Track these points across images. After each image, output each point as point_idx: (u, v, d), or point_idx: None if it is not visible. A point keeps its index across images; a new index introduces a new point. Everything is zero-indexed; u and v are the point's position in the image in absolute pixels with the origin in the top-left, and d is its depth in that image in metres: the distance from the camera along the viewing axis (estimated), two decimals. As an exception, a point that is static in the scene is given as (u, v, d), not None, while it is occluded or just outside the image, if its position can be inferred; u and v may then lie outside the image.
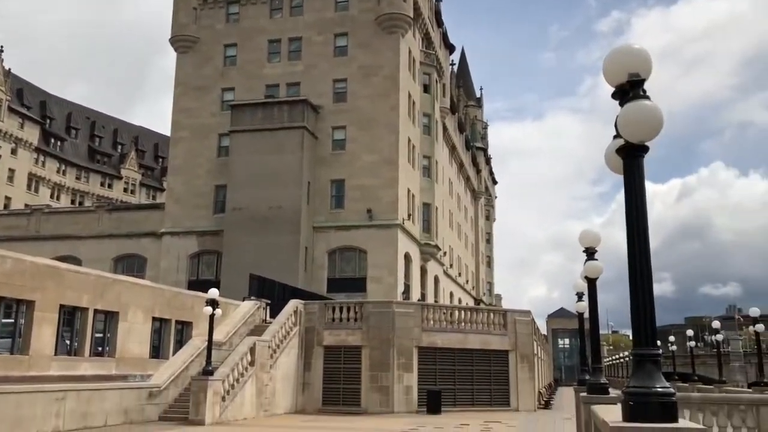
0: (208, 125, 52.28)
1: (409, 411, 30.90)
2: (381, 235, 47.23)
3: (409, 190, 51.24)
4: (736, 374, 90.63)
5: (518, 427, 24.84)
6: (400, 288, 47.44)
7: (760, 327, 29.55)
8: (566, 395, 50.69)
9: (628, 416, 5.48)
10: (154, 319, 27.43)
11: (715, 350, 47.51)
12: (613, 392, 12.88)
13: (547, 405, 40.21)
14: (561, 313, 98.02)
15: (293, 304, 32.51)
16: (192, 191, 51.46)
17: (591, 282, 14.11)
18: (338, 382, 31.87)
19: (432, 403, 30.75)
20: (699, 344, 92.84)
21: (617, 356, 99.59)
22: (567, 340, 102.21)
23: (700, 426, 5.38)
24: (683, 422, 5.55)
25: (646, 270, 5.77)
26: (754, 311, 29.74)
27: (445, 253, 63.73)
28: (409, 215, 50.43)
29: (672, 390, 5.54)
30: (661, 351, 5.72)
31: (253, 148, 48.82)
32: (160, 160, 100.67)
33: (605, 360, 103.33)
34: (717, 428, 20.40)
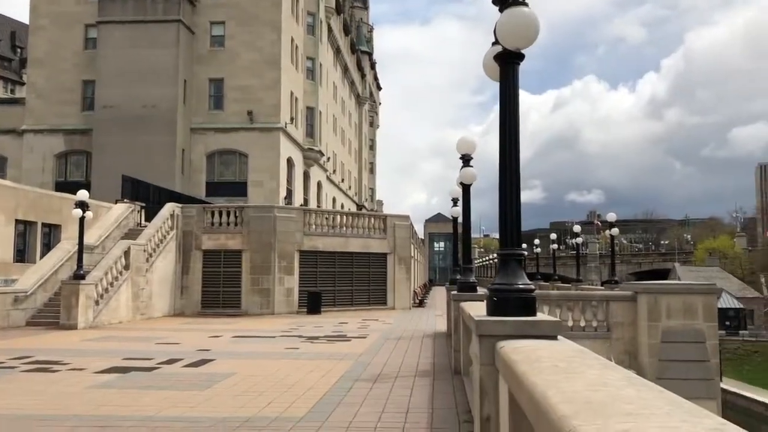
0: (72, 14, 47.90)
1: (289, 312, 31.53)
2: (263, 138, 46.25)
3: (292, 93, 50.09)
4: (591, 274, 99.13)
5: (393, 323, 26.08)
6: (283, 193, 47.19)
7: (614, 231, 32.20)
8: (440, 295, 53.50)
9: (491, 310, 5.89)
10: (17, 221, 25.79)
11: (574, 252, 51.41)
12: (481, 290, 13.73)
13: (421, 303, 42.35)
14: (438, 218, 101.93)
15: (170, 207, 31.58)
16: (57, 86, 47.61)
17: (465, 188, 14.67)
18: (218, 286, 31.79)
19: (312, 304, 31.49)
20: (561, 247, 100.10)
21: (487, 258, 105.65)
22: (443, 244, 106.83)
23: (555, 318, 5.88)
24: (541, 316, 6.04)
25: (514, 176, 6.06)
26: (611, 216, 32.27)
27: (328, 159, 63.62)
28: (292, 119, 49.54)
29: (532, 287, 5.97)
30: (525, 252, 6.13)
31: (124, 42, 45.51)
32: (19, 50, 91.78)
33: (476, 261, 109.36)
34: (572, 321, 22.44)
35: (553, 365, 4.00)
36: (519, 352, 4.71)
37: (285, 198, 47.21)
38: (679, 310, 21.27)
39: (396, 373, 13.21)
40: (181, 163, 45.47)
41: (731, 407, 58.13)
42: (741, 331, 73.07)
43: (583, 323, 22.19)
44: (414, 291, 44.06)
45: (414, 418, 8.98)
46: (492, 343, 5.34)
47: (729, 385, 61.69)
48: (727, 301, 73.99)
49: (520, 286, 5.85)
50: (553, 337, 5.40)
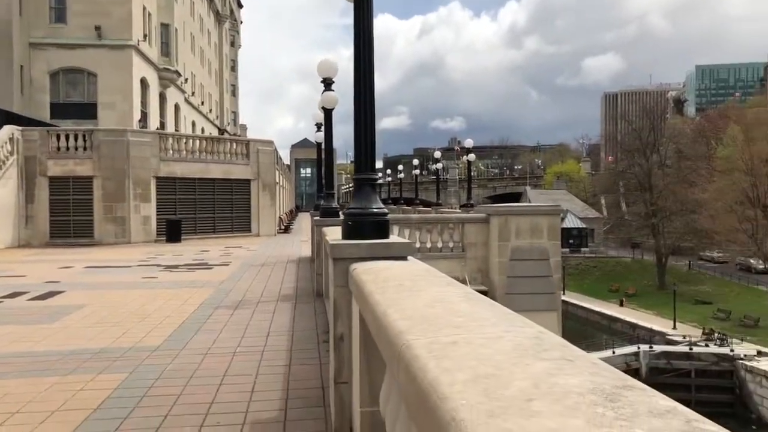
0: None
1: (147, 241, 30.40)
2: (113, 56, 42.97)
3: (144, 8, 46.61)
4: (452, 198, 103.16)
5: (257, 250, 25.93)
6: (137, 116, 44.52)
7: (471, 157, 33.54)
8: (306, 221, 53.63)
9: (347, 234, 5.98)
10: None
11: (436, 177, 53.16)
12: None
13: (287, 230, 42.33)
14: (305, 144, 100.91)
15: (8, 130, 28.91)
16: None
17: (327, 112, 14.56)
18: (68, 215, 29.91)
19: (171, 232, 30.52)
20: (424, 173, 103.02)
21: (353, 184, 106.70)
22: (309, 170, 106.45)
23: (407, 240, 6.07)
24: (394, 238, 6.23)
25: (369, 101, 6.07)
26: (468, 142, 33.52)
27: (186, 80, 60.50)
28: (145, 36, 46.29)
29: (385, 211, 6.12)
30: (379, 177, 6.23)
31: (-59, -60, 39.88)
32: None
33: (343, 188, 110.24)
34: (430, 243, 23.38)
35: (398, 284, 4.13)
36: (369, 272, 4.83)
37: (139, 121, 44.61)
38: (526, 230, 22.80)
39: (258, 299, 13.24)
40: (20, 82, 41.41)
41: (572, 317, 63.98)
42: (583, 249, 79.78)
43: (440, 244, 23.24)
44: (279, 217, 43.85)
45: (274, 341, 9.10)
46: (346, 266, 5.45)
47: (571, 297, 67.67)
48: (571, 222, 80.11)
49: (374, 210, 5.97)
50: (404, 258, 5.59)
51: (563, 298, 66.58)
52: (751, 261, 65.84)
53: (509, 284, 22.52)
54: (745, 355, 40.41)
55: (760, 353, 41.06)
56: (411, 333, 2.66)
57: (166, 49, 50.94)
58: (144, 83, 46.77)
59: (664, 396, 2.01)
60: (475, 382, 1.95)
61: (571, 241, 79.88)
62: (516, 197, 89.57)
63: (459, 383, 1.97)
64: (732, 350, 41.32)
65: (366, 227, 5.88)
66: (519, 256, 22.44)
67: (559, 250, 23.51)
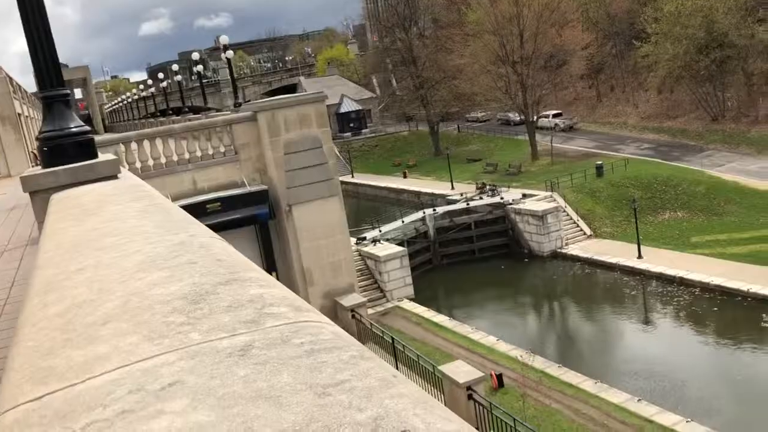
0: None
1: None
2: None
3: None
4: (227, 100, 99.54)
5: (7, 192, 23.23)
6: None
7: (230, 54, 32.13)
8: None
9: (47, 162, 5.34)
10: None
11: (206, 81, 50.69)
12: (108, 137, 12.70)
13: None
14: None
15: None
16: None
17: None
18: None
19: None
20: (193, 78, 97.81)
21: (118, 100, 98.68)
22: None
23: (113, 157, 5.56)
24: (104, 156, 5.69)
25: (38, 3, 5.27)
26: (224, 39, 31.89)
27: None
28: None
29: (87, 128, 5.52)
30: (69, 91, 5.55)
31: None
32: None
33: (106, 106, 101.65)
34: (200, 151, 22.48)
35: (83, 210, 3.77)
36: (62, 201, 4.37)
37: None
38: (295, 122, 22.71)
39: (5, 247, 11.87)
40: None
41: (363, 197, 66.72)
42: (363, 130, 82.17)
43: (211, 151, 22.45)
44: (32, 152, 39.40)
45: (19, 291, 8.23)
46: (46, 199, 4.88)
47: (360, 178, 70.22)
48: (348, 106, 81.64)
49: (73, 129, 5.36)
50: (114, 177, 5.13)
51: (353, 180, 69.04)
52: (510, 115, 72.41)
53: (288, 178, 22.57)
54: (513, 200, 45.15)
55: (524, 196, 46.12)
56: (44, 267, 2.42)
57: None
58: None
59: (268, 281, 1.94)
60: (64, 314, 1.76)
61: (351, 125, 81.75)
62: (292, 89, 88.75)
63: (47, 319, 1.79)
64: (502, 198, 45.92)
65: (67, 150, 5.27)
66: (292, 149, 22.41)
67: (330, 136, 23.86)
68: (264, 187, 22.63)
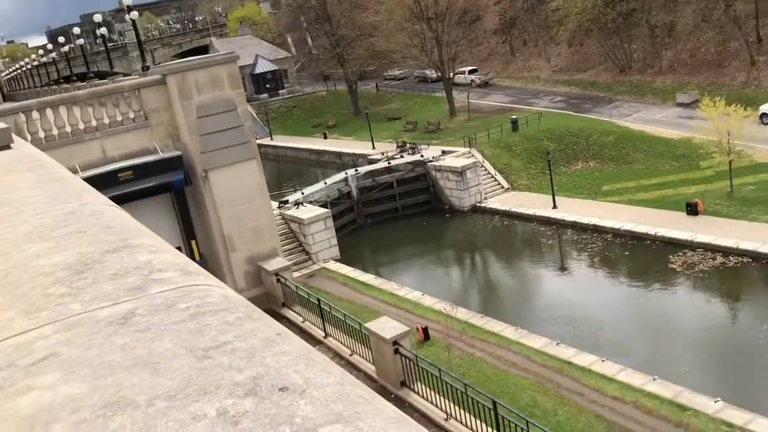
0: None
1: None
2: None
3: None
4: (136, 63, 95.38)
5: None
6: None
7: (134, 14, 30.57)
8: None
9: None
10: None
11: (112, 45, 48.27)
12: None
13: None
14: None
15: None
16: None
17: None
18: None
19: None
20: (97, 41, 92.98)
21: (16, 67, 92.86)
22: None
23: (3, 125, 5.23)
24: (-5, 125, 5.34)
25: None
26: (127, 0, 30.25)
27: None
28: None
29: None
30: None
31: None
32: None
33: (3, 73, 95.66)
34: (108, 118, 21.53)
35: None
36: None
37: None
38: (207, 84, 21.98)
39: None
40: None
41: (284, 159, 65.88)
42: (280, 91, 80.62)
43: (119, 117, 21.52)
44: None
45: None
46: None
47: (279, 140, 69.19)
48: (263, 66, 79.75)
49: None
50: (7, 147, 4.83)
51: (272, 143, 67.95)
52: (427, 72, 72.63)
53: (203, 143, 21.93)
54: (433, 157, 45.63)
55: (444, 153, 46.70)
56: None
57: None
58: None
59: (159, 246, 1.88)
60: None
61: (267, 85, 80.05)
62: (203, 50, 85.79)
63: None
64: (422, 156, 46.32)
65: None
66: (205, 112, 21.73)
67: (244, 98, 23.24)
68: (178, 152, 21.94)
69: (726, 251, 30.01)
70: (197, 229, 23.70)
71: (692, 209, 34.11)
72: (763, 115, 42.89)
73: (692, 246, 31.17)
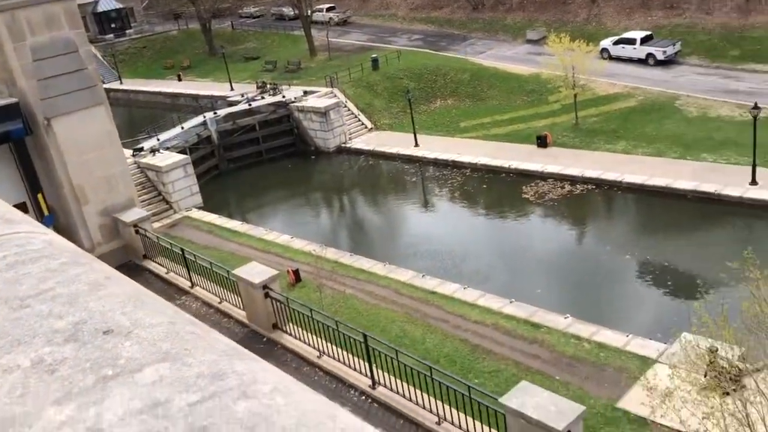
0: None
1: None
2: None
3: None
4: None
5: None
6: None
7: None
8: None
9: None
10: None
11: None
12: None
13: None
14: None
15: None
16: None
17: None
18: None
19: None
20: None
21: None
22: None
23: None
24: None
25: None
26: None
27: None
28: None
29: None
30: None
31: None
32: None
33: None
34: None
35: None
36: None
37: None
38: (42, 23, 20.04)
39: None
40: None
41: (136, 104, 62.10)
42: (127, 31, 75.26)
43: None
44: None
45: None
46: None
47: (130, 84, 64.97)
48: (106, 4, 73.85)
49: None
50: None
51: (122, 87, 63.70)
52: (284, 10, 70.51)
53: (42, 88, 20.11)
54: (295, 98, 44.87)
55: (306, 93, 46.02)
56: None
57: None
58: None
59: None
60: None
61: (112, 25, 74.43)
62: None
63: None
64: (284, 96, 45.40)
65: None
66: (42, 54, 19.85)
67: (86, 38, 21.44)
68: (14, 99, 20.03)
69: (573, 180, 32.26)
70: (43, 182, 22.00)
71: (542, 142, 36.19)
72: (603, 50, 45.80)
73: (543, 176, 33.20)
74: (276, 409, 0.68)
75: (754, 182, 27.77)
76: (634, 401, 14.63)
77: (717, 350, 12.12)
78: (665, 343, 16.94)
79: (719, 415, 10.37)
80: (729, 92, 37.56)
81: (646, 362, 16.41)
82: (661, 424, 13.32)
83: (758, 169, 27.72)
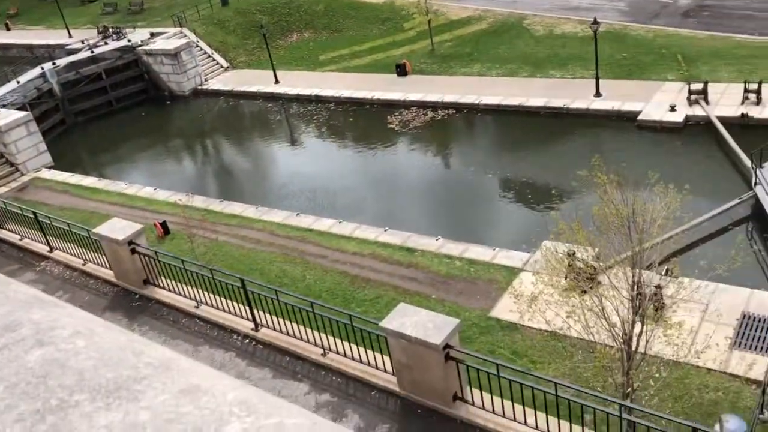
0: None
1: None
2: None
3: None
4: None
5: None
6: None
7: None
8: None
9: None
10: None
11: None
12: None
13: None
14: None
15: None
16: None
17: None
18: None
19: None
20: None
21: None
22: None
23: None
24: None
25: None
26: None
27: None
28: None
29: None
30: None
31: None
32: None
33: None
34: None
35: None
36: None
37: None
38: None
39: None
40: None
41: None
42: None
43: None
44: None
45: None
46: None
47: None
48: None
49: None
50: None
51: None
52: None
53: None
54: (141, 41, 42.14)
55: (153, 35, 43.30)
56: None
57: None
58: None
59: None
60: None
61: None
62: None
63: None
64: (129, 40, 42.50)
65: None
66: None
67: None
68: None
69: (434, 106, 32.94)
70: None
71: (401, 70, 36.47)
72: (453, -26, 46.24)
73: (405, 105, 33.63)
74: (74, 352, 0.64)
75: (598, 94, 29.65)
76: (505, 309, 15.62)
77: (574, 253, 13.08)
78: (528, 253, 18.08)
79: (579, 312, 11.28)
80: (571, 9, 39.33)
81: (512, 272, 17.48)
82: (530, 327, 14.34)
83: (601, 81, 29.56)
